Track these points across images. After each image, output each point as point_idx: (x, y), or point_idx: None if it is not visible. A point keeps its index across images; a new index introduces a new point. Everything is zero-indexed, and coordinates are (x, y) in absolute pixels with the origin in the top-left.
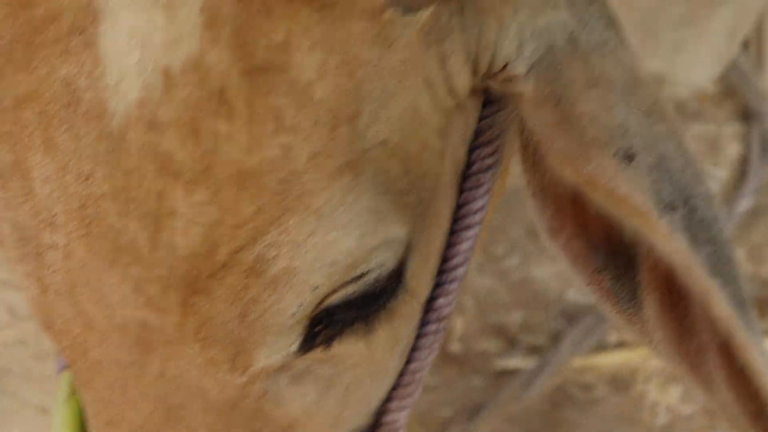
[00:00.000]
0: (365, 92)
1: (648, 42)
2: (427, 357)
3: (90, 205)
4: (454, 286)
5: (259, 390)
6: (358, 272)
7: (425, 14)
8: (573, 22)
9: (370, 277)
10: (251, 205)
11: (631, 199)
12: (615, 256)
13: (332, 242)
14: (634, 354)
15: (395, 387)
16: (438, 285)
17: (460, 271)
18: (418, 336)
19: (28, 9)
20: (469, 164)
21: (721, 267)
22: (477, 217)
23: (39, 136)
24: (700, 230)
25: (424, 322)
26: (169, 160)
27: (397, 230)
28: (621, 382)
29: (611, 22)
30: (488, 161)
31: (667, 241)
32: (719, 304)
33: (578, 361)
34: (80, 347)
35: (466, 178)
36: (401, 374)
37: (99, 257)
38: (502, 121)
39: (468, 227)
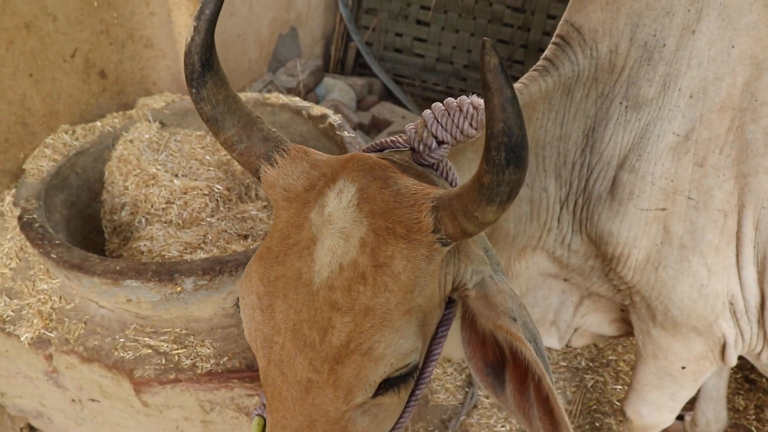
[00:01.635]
0: (419, 281)
1: None
2: (412, 410)
3: (297, 324)
4: (431, 367)
5: (349, 415)
6: (406, 362)
7: (447, 249)
8: (490, 270)
9: (410, 366)
10: (369, 323)
11: (516, 334)
12: (494, 369)
13: (401, 343)
14: None
15: (396, 424)
16: (422, 371)
17: (433, 362)
18: (411, 394)
19: (290, 237)
20: (439, 324)
21: (540, 352)
22: (440, 345)
23: (281, 292)
24: (532, 339)
25: (415, 387)
26: (336, 303)
27: (420, 343)
28: None
29: (500, 267)
30: (447, 324)
31: (525, 347)
32: (537, 364)
33: None
34: (277, 391)
35: (441, 321)
36: (399, 418)
37: (296, 348)
38: (453, 311)
39: (441, 338)
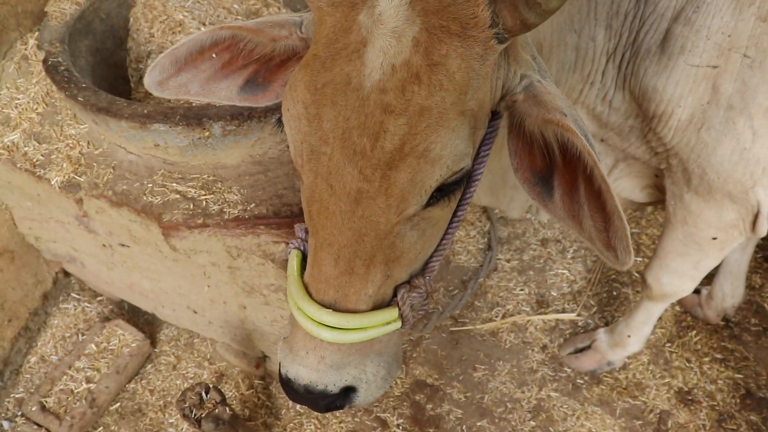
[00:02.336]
0: (473, 82)
1: None
2: (454, 231)
3: (346, 132)
4: (474, 185)
5: (399, 229)
6: (461, 166)
7: (501, 48)
8: (538, 75)
9: (463, 170)
10: (424, 123)
11: (567, 125)
12: (542, 179)
13: (457, 144)
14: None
15: (437, 248)
16: (466, 187)
17: (476, 182)
18: (452, 217)
19: (338, 41)
20: (483, 141)
21: (591, 144)
22: (483, 164)
23: (329, 99)
24: (584, 134)
25: (456, 209)
26: (389, 106)
27: (471, 147)
28: (518, 326)
29: (547, 74)
30: (490, 140)
31: (576, 136)
32: (590, 155)
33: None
34: (324, 207)
35: (485, 138)
36: (442, 239)
37: (345, 157)
38: (496, 126)
39: (483, 157)
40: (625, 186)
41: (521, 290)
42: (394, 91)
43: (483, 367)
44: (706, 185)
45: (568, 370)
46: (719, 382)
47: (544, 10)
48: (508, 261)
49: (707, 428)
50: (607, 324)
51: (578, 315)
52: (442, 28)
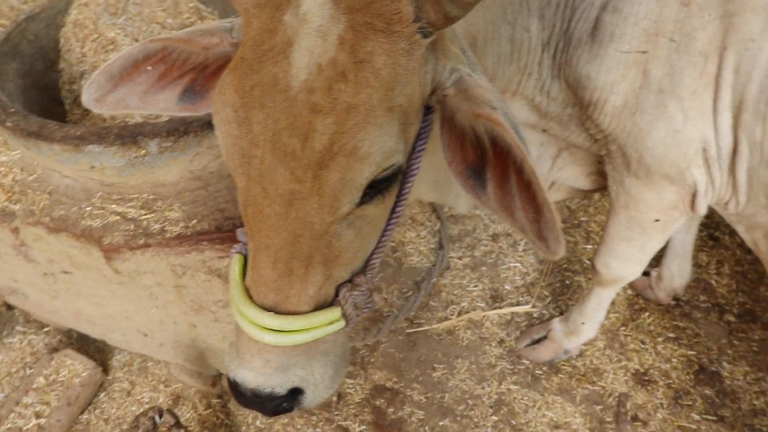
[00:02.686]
0: (400, 77)
1: None
2: (393, 228)
3: (276, 133)
4: (410, 182)
5: (335, 228)
6: (391, 162)
7: (427, 42)
8: (468, 69)
9: (394, 166)
10: (352, 121)
11: (496, 118)
12: (475, 171)
13: (386, 141)
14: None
15: (377, 245)
16: (402, 183)
17: (413, 178)
18: (392, 211)
19: (264, 43)
20: (418, 136)
21: (521, 137)
22: (419, 159)
23: (257, 101)
24: (513, 127)
25: (394, 206)
26: (317, 106)
27: (402, 143)
28: (474, 323)
29: (478, 67)
30: (425, 135)
31: (505, 129)
32: (518, 148)
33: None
34: (258, 210)
35: (420, 132)
36: (381, 236)
37: (276, 159)
38: (430, 120)
39: (419, 152)
40: (570, 174)
41: (475, 287)
42: (321, 90)
43: (442, 366)
44: (644, 169)
45: (527, 362)
46: (673, 360)
47: (465, 3)
48: (460, 258)
49: (664, 406)
50: (561, 313)
51: (533, 306)
52: (367, 25)
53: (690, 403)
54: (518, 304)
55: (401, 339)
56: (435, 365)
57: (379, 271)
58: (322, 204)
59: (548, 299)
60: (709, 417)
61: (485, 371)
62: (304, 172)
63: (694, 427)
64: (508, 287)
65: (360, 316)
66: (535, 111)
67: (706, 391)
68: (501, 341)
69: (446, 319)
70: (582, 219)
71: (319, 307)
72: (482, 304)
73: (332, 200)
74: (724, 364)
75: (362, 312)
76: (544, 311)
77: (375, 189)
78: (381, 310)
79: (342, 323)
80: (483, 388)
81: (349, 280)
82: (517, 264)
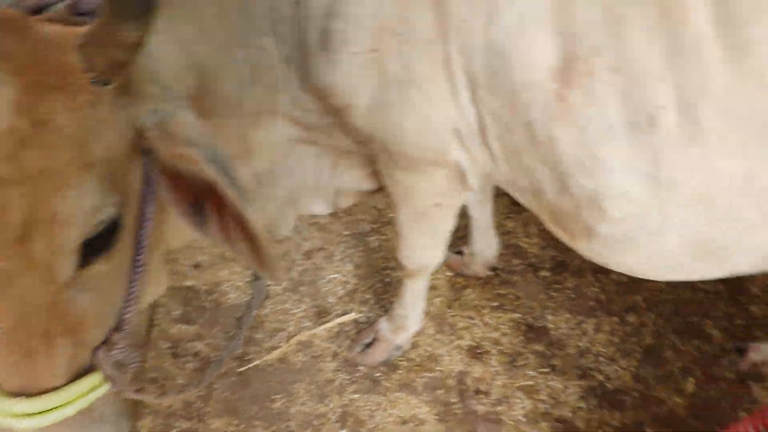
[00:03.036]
0: (90, 131)
1: None
2: (140, 279)
3: None
4: (147, 227)
5: (65, 296)
6: (99, 218)
7: (110, 89)
8: (170, 109)
9: (106, 219)
10: (45, 187)
11: (190, 157)
12: (200, 208)
13: (86, 200)
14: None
15: (127, 300)
16: (139, 230)
17: (149, 222)
18: (133, 267)
19: None
20: (145, 173)
21: (229, 176)
22: (151, 203)
23: None
24: (215, 161)
25: (136, 251)
26: (3, 178)
27: (114, 197)
28: (303, 344)
29: (183, 103)
30: (151, 180)
31: (200, 167)
32: (219, 184)
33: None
34: None
35: (147, 177)
36: (129, 289)
37: None
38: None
39: (150, 196)
40: (351, 179)
41: (298, 308)
42: (5, 161)
43: (280, 396)
44: (409, 160)
45: (363, 368)
46: (502, 327)
47: (127, 44)
48: (278, 284)
49: (501, 373)
50: (387, 312)
51: (358, 313)
52: (41, 83)
53: (524, 362)
54: (344, 313)
55: (234, 380)
56: (273, 396)
57: (198, 317)
58: (38, 277)
59: (371, 301)
60: (543, 370)
61: (324, 388)
62: (8, 248)
63: (532, 383)
64: (331, 300)
65: (128, 373)
66: (299, 126)
67: (537, 347)
68: (335, 354)
69: (275, 347)
70: (391, 216)
71: (80, 375)
72: (309, 324)
73: (47, 271)
74: (548, 317)
75: (130, 368)
76: (370, 314)
77: (94, 247)
78: (207, 357)
79: (107, 385)
80: (326, 405)
81: (105, 341)
82: (335, 275)
